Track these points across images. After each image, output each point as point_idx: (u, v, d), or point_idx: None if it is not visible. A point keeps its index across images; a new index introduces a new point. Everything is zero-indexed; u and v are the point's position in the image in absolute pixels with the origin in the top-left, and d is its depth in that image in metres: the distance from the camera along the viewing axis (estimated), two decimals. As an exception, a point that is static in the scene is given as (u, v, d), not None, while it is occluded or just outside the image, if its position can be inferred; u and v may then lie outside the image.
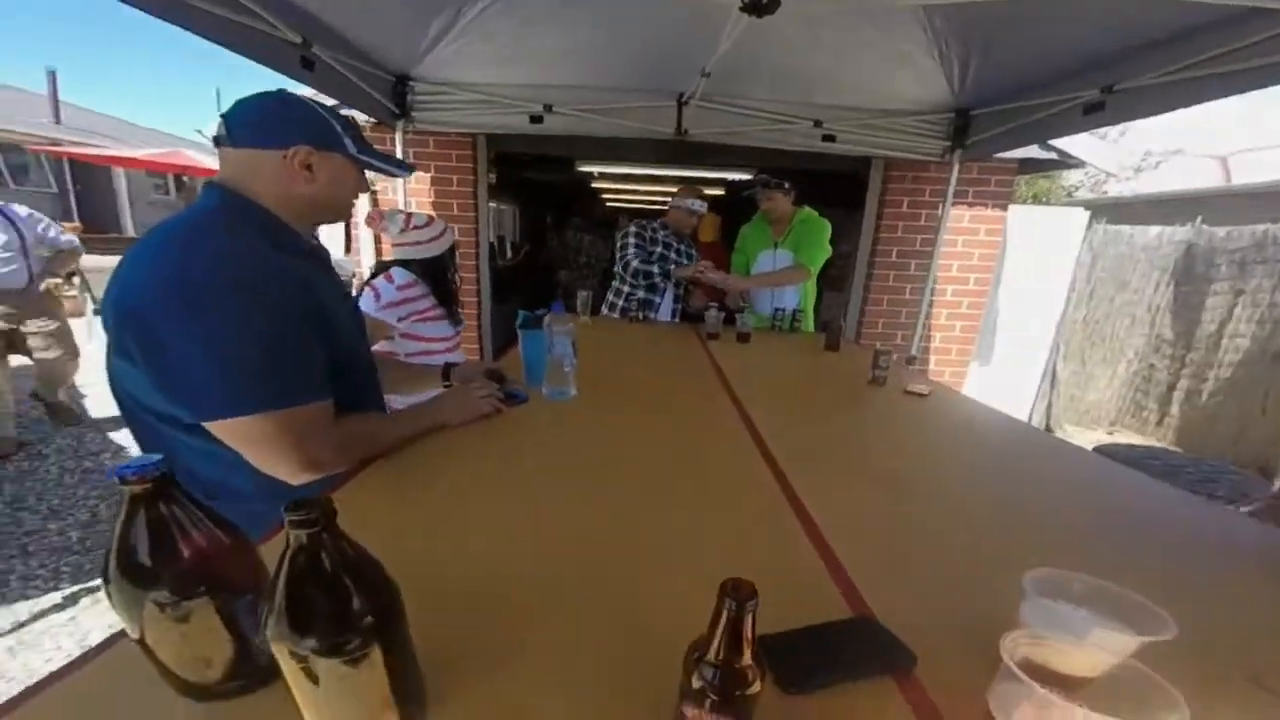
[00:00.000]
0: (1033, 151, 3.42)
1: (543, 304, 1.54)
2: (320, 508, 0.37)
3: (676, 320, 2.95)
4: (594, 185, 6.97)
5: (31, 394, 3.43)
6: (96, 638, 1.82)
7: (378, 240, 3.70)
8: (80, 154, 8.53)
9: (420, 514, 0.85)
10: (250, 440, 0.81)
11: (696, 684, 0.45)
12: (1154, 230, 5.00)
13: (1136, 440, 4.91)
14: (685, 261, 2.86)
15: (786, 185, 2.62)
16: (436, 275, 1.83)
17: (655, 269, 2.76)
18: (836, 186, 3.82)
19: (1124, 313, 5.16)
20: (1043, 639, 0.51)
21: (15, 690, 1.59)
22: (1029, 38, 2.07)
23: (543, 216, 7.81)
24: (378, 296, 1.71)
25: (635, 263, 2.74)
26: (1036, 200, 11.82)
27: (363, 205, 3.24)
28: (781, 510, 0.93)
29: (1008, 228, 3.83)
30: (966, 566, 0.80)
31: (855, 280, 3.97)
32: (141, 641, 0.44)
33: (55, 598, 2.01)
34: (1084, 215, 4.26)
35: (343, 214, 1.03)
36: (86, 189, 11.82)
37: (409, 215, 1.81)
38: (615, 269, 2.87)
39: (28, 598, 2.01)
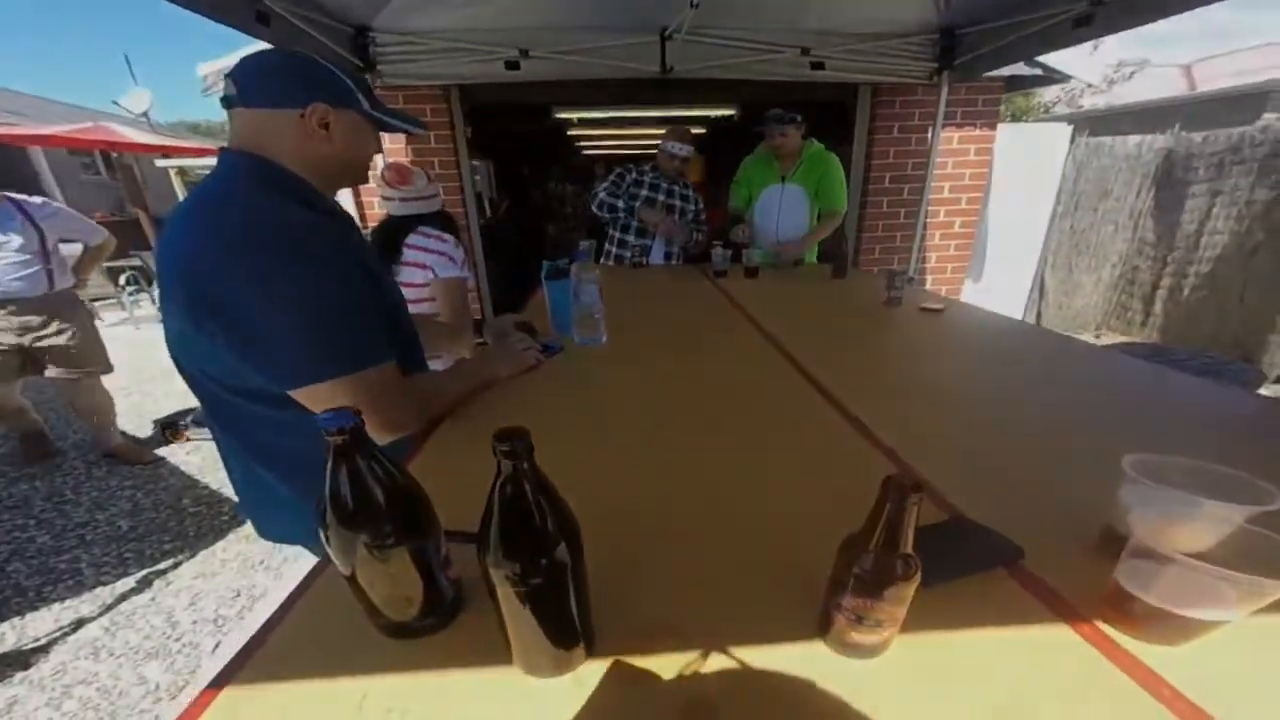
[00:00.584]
0: (1018, 69, 3.37)
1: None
2: (523, 439, 0.38)
3: (676, 262, 2.94)
4: (571, 133, 6.73)
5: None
6: (181, 615, 1.90)
7: (360, 205, 3.57)
8: (-13, 135, 7.08)
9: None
10: (334, 406, 0.81)
11: (857, 572, 0.47)
12: (1134, 140, 5.05)
13: (1122, 340, 5.09)
14: (679, 203, 2.83)
15: (799, 119, 2.57)
16: (454, 229, 1.80)
17: (620, 203, 2.76)
18: (823, 117, 3.75)
19: (1108, 220, 5.27)
20: (1156, 516, 0.53)
21: (123, 665, 1.66)
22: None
23: (520, 170, 7.55)
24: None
25: (602, 194, 2.80)
26: (1015, 118, 11.77)
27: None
28: (840, 428, 0.97)
29: (995, 146, 3.82)
30: (1037, 464, 0.84)
31: (850, 207, 3.95)
32: (353, 580, 0.46)
33: (130, 582, 2.06)
34: (1067, 130, 4.28)
35: (361, 175, 0.99)
36: (4, 172, 9.94)
37: (425, 171, 1.76)
38: (592, 208, 2.88)
39: (104, 583, 2.06)
